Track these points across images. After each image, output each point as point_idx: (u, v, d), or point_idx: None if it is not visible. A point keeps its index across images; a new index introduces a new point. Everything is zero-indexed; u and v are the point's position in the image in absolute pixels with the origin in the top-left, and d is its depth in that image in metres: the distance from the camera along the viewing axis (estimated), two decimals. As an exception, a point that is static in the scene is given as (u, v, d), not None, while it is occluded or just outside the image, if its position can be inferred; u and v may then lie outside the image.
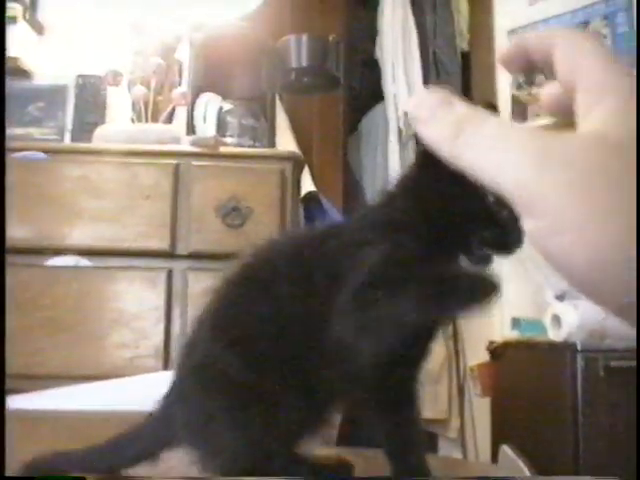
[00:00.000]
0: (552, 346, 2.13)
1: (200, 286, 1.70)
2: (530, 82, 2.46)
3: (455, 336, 2.93)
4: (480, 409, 2.76)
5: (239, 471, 0.75)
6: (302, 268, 0.76)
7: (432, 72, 3.01)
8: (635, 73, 0.44)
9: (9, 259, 1.72)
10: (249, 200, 1.72)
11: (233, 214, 1.70)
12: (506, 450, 2.25)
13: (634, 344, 2.03)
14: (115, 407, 1.44)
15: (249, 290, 0.76)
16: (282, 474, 0.75)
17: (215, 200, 1.72)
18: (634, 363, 1.98)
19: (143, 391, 1.35)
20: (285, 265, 0.76)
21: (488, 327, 2.65)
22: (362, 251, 0.73)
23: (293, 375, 0.73)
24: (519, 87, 2.48)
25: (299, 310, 0.74)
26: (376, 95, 3.03)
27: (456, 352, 2.92)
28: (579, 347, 1.99)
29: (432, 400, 2.93)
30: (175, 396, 0.78)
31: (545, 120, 2.41)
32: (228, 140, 1.98)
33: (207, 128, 1.98)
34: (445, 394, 2.93)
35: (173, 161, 1.76)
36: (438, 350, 3.01)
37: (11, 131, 1.94)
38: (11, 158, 1.75)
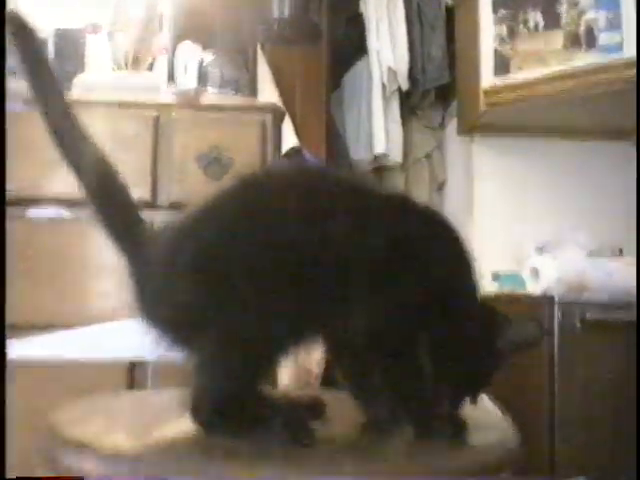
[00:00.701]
0: (531, 298, 2.16)
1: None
2: (513, 36, 2.45)
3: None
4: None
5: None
6: (318, 206, 0.78)
7: (416, 27, 2.99)
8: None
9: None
10: (230, 151, 1.71)
11: (214, 165, 1.70)
12: (485, 400, 2.28)
13: (613, 297, 2.06)
14: (95, 354, 1.46)
15: (263, 215, 0.77)
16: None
17: (196, 151, 1.72)
18: (611, 316, 2.01)
19: (122, 338, 1.37)
20: (299, 199, 0.78)
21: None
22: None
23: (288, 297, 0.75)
24: (502, 41, 2.47)
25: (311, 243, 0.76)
26: (360, 50, 3.01)
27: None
28: (557, 299, 2.01)
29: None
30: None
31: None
32: (210, 91, 1.98)
33: (188, 79, 1.97)
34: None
35: (154, 112, 1.76)
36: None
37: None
38: (-11, 108, 1.74)
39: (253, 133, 1.74)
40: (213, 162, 1.70)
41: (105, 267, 1.70)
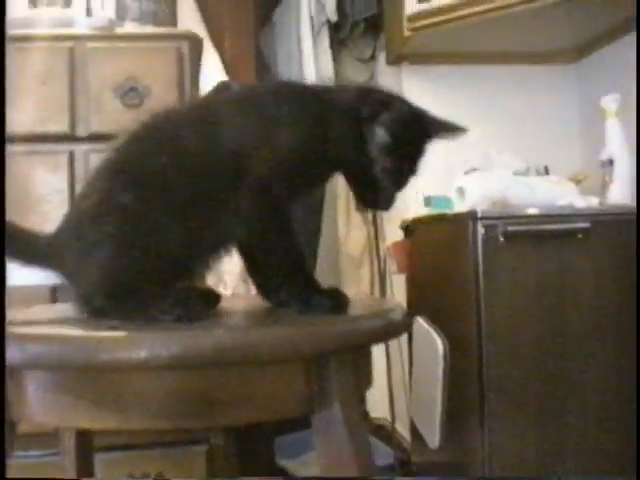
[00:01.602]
0: (456, 217, 2.21)
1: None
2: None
3: (374, 221, 3.01)
4: (398, 287, 2.87)
5: (112, 293, 0.83)
6: (207, 127, 0.86)
7: (343, -42, 2.99)
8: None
9: None
10: (147, 79, 1.73)
11: (131, 94, 1.72)
12: (420, 321, 2.36)
13: (534, 211, 2.12)
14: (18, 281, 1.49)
15: (152, 141, 0.88)
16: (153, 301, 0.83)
17: (112, 81, 1.73)
18: (532, 227, 2.08)
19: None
20: (191, 123, 0.87)
21: (404, 209, 2.73)
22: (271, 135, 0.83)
23: (181, 216, 0.82)
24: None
25: (200, 163, 0.85)
26: (289, -16, 3.01)
27: (376, 236, 3.01)
28: (479, 215, 2.06)
29: (355, 283, 3.03)
30: (66, 229, 0.86)
31: None
32: (129, 25, 1.97)
33: (105, 13, 1.96)
34: (367, 277, 3.04)
35: (68, 44, 1.76)
36: (358, 235, 3.10)
37: None
38: None
39: (169, 60, 1.75)
40: (130, 91, 1.71)
41: (28, 201, 1.71)
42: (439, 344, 2.16)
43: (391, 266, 2.83)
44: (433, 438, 2.17)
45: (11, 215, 1.69)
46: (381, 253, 2.99)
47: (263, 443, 2.44)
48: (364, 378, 0.90)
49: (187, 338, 0.71)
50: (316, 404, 0.80)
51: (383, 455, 2.69)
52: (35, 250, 0.90)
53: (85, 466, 1.18)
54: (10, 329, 0.78)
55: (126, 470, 1.61)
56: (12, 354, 0.74)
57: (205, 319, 0.81)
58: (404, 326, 0.89)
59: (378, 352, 2.88)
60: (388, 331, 0.85)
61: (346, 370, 0.80)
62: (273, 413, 0.79)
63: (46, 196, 1.71)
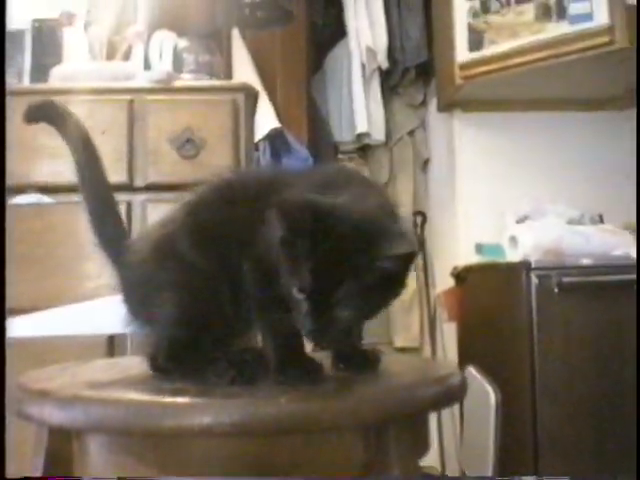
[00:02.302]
0: (509, 266, 2.20)
1: (158, 216, 1.75)
2: (486, 10, 2.49)
3: (425, 267, 3.00)
4: (449, 334, 2.85)
5: (174, 342, 0.85)
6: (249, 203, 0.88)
7: (394, 7, 3.03)
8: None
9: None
10: (202, 131, 1.76)
11: (187, 145, 1.75)
12: (472, 371, 2.33)
13: (588, 261, 2.10)
14: (76, 331, 1.51)
15: (214, 207, 0.92)
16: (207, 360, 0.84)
17: (170, 133, 1.76)
18: (587, 278, 2.05)
19: (103, 314, 1.42)
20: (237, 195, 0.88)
21: (455, 255, 2.73)
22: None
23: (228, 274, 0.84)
24: (475, 16, 2.50)
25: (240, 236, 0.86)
26: (340, 32, 3.05)
27: (426, 282, 3.00)
28: (533, 265, 2.05)
29: (404, 329, 3.02)
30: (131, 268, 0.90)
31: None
32: (186, 77, 2.02)
33: (163, 65, 2.02)
34: (417, 323, 3.02)
35: (127, 96, 1.81)
36: (409, 282, 3.09)
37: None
38: (-30, 101, 1.79)
39: (225, 112, 1.78)
40: (186, 143, 1.75)
41: (86, 250, 1.75)
42: (491, 394, 2.13)
43: (442, 314, 2.81)
44: (485, 491, 2.13)
45: (70, 260, 1.74)
46: (431, 300, 2.97)
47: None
48: (422, 443, 0.90)
49: (249, 406, 0.72)
50: (375, 470, 0.79)
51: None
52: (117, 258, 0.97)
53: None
54: (74, 391, 0.79)
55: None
56: (76, 416, 0.75)
57: (259, 381, 0.81)
58: (463, 392, 0.88)
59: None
60: (448, 398, 0.84)
61: (405, 436, 0.79)
62: (332, 478, 0.79)
63: (104, 245, 1.74)
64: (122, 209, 1.76)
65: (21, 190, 1.80)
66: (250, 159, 1.84)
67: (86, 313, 1.52)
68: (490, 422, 2.12)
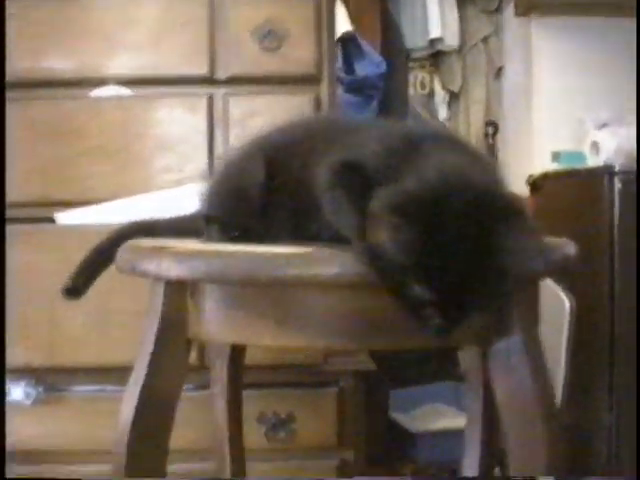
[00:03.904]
0: (590, 172, 2.14)
1: (240, 111, 1.74)
2: None
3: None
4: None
5: None
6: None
7: None
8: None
9: (52, 92, 1.78)
10: (285, 23, 1.72)
11: (269, 37, 1.71)
12: (548, 282, 2.30)
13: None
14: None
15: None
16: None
17: (251, 24, 1.72)
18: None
19: (181, 201, 1.42)
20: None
21: (529, 165, 2.66)
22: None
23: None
24: None
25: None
26: None
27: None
28: (617, 169, 1.99)
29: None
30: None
31: None
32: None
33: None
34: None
35: (208, -14, 1.76)
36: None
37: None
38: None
39: (308, 3, 1.73)
40: (268, 35, 1.71)
41: (167, 142, 1.74)
42: (566, 302, 2.10)
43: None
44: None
45: (150, 153, 1.73)
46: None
47: (381, 393, 2.45)
48: (536, 313, 0.88)
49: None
50: (493, 335, 0.78)
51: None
52: None
53: (235, 397, 1.20)
54: (191, 246, 0.79)
55: (257, 408, 1.64)
56: (197, 268, 0.75)
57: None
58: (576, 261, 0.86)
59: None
60: (566, 265, 0.82)
61: (526, 299, 0.78)
62: (452, 341, 0.77)
63: (185, 137, 1.74)
64: (203, 102, 1.75)
65: (100, 82, 1.78)
66: (332, 56, 1.79)
67: (171, 199, 1.52)
68: (564, 328, 2.09)
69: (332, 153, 0.80)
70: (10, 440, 1.60)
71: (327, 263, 0.69)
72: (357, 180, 0.73)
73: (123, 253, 0.86)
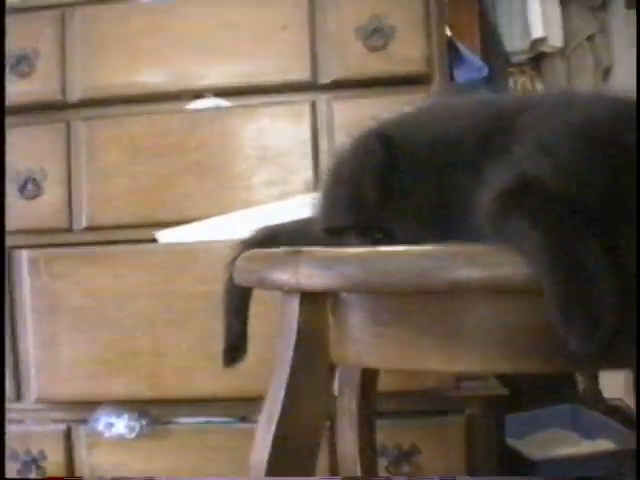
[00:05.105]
0: None
1: (345, 116, 1.61)
2: None
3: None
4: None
5: None
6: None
7: None
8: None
9: (147, 107, 1.69)
10: (391, 19, 1.59)
11: (375, 35, 1.58)
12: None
13: None
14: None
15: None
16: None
17: (354, 23, 1.60)
18: None
19: (290, 214, 1.29)
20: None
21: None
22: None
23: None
24: None
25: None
26: None
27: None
28: None
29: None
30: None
31: None
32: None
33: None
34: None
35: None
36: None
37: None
38: (139, 4, 1.69)
39: (415, -3, 1.60)
40: (373, 33, 1.58)
41: (269, 154, 1.63)
42: None
43: None
44: None
45: (252, 169, 1.62)
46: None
47: (497, 419, 2.27)
48: None
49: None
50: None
51: (623, 437, 2.44)
52: None
53: (368, 429, 1.05)
54: (333, 250, 0.65)
55: (379, 438, 1.49)
56: (345, 273, 0.61)
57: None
58: None
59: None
60: None
61: None
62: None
63: (288, 147, 1.62)
64: (306, 109, 1.63)
65: (197, 94, 1.69)
66: (443, 53, 1.65)
67: (279, 212, 1.40)
68: None
69: (502, 158, 0.64)
70: (112, 476, 1.51)
71: (493, 263, 0.54)
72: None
73: (243, 263, 0.73)
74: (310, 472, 0.71)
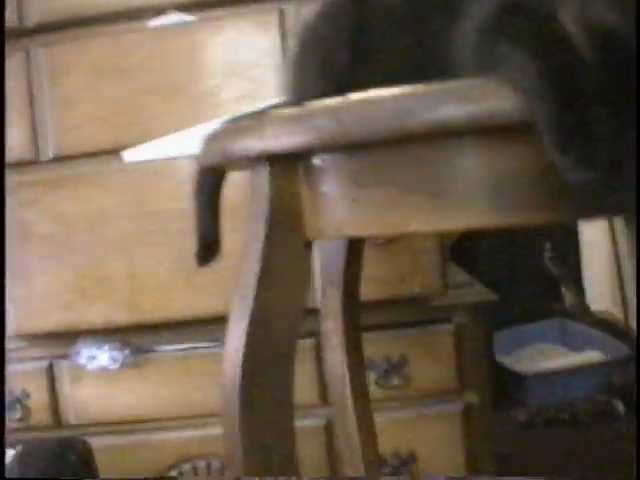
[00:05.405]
0: None
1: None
2: None
3: None
4: None
5: None
6: None
7: None
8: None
9: (108, 28, 1.62)
10: None
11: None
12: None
13: None
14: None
15: None
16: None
17: None
18: None
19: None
20: None
21: None
22: None
23: None
24: None
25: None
26: None
27: None
28: None
29: None
30: None
31: None
32: None
33: None
34: None
35: None
36: None
37: None
38: None
39: None
40: None
41: (238, 68, 1.56)
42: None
43: None
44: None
45: (223, 86, 1.55)
46: None
47: (485, 335, 2.26)
48: None
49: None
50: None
51: (612, 348, 2.44)
52: None
53: (354, 333, 1.01)
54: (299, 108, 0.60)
55: (366, 352, 1.45)
56: (317, 128, 0.55)
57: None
58: None
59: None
60: None
61: None
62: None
63: (257, 60, 1.55)
64: (274, 19, 1.55)
65: (159, 11, 1.61)
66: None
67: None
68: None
69: None
70: (97, 409, 1.48)
71: (508, 96, 0.49)
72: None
73: (207, 141, 0.68)
74: (289, 361, 0.67)
